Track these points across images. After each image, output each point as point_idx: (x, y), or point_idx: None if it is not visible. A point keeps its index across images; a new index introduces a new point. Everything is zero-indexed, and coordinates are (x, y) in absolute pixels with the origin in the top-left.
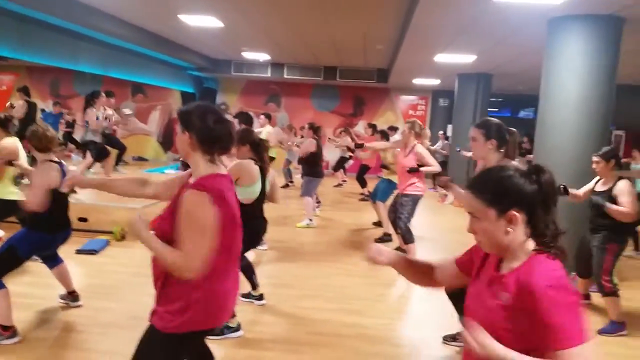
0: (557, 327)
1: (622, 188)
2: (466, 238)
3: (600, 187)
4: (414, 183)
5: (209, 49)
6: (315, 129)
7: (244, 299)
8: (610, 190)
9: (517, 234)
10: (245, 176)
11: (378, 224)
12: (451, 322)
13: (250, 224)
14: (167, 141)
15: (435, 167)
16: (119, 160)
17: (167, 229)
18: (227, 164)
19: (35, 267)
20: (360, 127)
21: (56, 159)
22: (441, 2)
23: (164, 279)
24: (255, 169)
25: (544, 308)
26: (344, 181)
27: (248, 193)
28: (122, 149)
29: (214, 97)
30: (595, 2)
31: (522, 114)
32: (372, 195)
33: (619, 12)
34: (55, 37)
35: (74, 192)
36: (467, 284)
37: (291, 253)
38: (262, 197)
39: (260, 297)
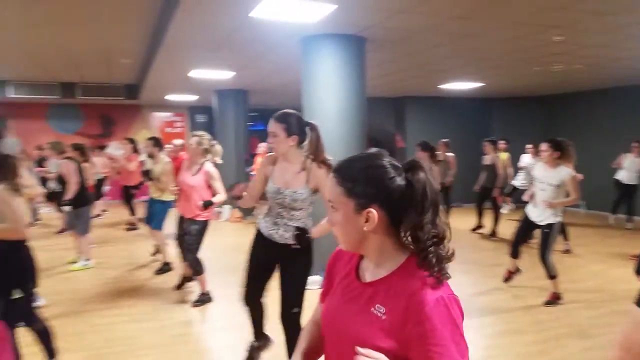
0: (440, 347)
1: None
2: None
3: None
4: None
5: None
6: (57, 147)
7: None
8: None
9: (377, 234)
10: (6, 208)
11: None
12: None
13: (15, 256)
14: None
15: (222, 195)
16: None
17: None
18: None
19: None
20: (113, 149)
21: None
22: (197, 16)
23: None
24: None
25: (430, 325)
26: (104, 210)
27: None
28: None
29: None
30: (340, 23)
31: None
32: (147, 220)
33: (360, 33)
34: None
35: None
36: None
37: (61, 306)
38: None
39: None
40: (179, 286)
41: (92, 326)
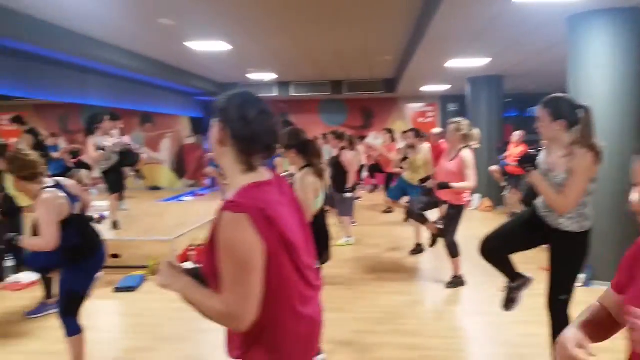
0: None
1: None
2: None
3: None
4: (463, 192)
5: (215, 73)
6: (340, 137)
7: None
8: None
9: None
10: (311, 192)
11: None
12: (512, 331)
13: (321, 234)
14: (180, 168)
15: (470, 183)
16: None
17: (207, 265)
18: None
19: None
20: (371, 139)
21: (49, 182)
22: (460, 8)
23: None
24: (313, 178)
25: None
26: (359, 186)
27: (313, 206)
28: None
29: None
30: None
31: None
32: (392, 195)
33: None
34: (61, 72)
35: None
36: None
37: (333, 274)
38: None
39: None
40: (432, 244)
41: (360, 293)
